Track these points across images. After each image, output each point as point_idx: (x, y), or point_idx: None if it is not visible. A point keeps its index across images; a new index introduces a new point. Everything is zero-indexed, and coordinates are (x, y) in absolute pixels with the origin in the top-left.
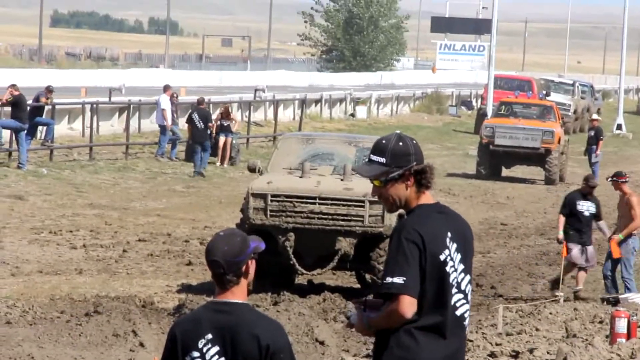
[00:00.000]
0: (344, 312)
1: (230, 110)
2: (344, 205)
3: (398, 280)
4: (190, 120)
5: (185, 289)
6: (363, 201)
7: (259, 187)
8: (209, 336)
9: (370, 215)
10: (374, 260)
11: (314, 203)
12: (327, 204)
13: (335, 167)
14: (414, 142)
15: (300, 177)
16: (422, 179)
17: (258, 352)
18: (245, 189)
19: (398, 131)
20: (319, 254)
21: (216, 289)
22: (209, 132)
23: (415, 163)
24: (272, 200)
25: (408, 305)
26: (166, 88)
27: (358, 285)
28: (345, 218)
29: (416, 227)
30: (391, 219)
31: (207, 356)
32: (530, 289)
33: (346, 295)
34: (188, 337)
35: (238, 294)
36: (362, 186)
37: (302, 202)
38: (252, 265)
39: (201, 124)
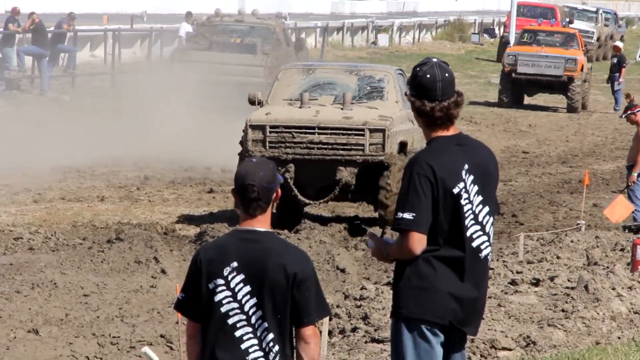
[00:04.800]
0: (364, 241)
1: None
2: (343, 134)
3: (408, 216)
4: None
5: (207, 216)
6: (363, 130)
7: (257, 118)
8: (234, 264)
9: (370, 144)
10: (382, 188)
11: (313, 133)
12: (326, 134)
13: (336, 96)
14: (429, 76)
15: (300, 107)
16: (418, 113)
17: (285, 280)
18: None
19: (435, 59)
20: (320, 185)
21: (241, 215)
22: None
23: (414, 93)
24: (270, 132)
25: (417, 242)
26: (188, 15)
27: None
28: (345, 147)
29: (428, 160)
30: (392, 147)
31: (232, 284)
32: (552, 217)
33: (368, 223)
34: (213, 265)
35: (263, 222)
36: (362, 114)
37: (301, 133)
38: (279, 195)
39: None
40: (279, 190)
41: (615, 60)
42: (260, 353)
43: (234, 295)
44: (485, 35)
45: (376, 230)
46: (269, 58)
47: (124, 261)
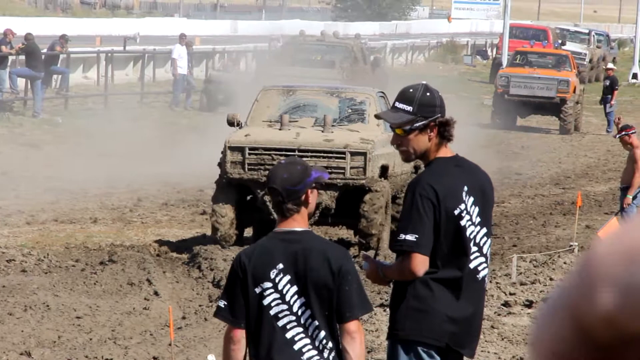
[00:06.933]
0: (357, 262)
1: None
2: (324, 157)
3: (411, 237)
4: None
5: (200, 238)
6: (344, 152)
7: (236, 140)
8: (280, 266)
9: (351, 167)
10: (363, 210)
11: (293, 155)
12: (306, 156)
13: (316, 118)
14: (439, 94)
15: (280, 129)
16: (445, 131)
17: (330, 275)
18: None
19: (424, 81)
20: None
21: (277, 217)
22: None
23: (439, 114)
24: (249, 154)
25: (420, 263)
26: (181, 37)
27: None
28: (326, 170)
29: (431, 182)
30: (373, 171)
31: (280, 286)
32: (545, 239)
33: (360, 246)
34: (259, 269)
35: (300, 221)
36: (343, 137)
37: (280, 155)
38: (312, 195)
39: None
40: (310, 191)
41: (607, 82)
42: (314, 352)
43: (282, 297)
44: (477, 57)
45: (369, 252)
46: (345, 72)
47: (117, 283)
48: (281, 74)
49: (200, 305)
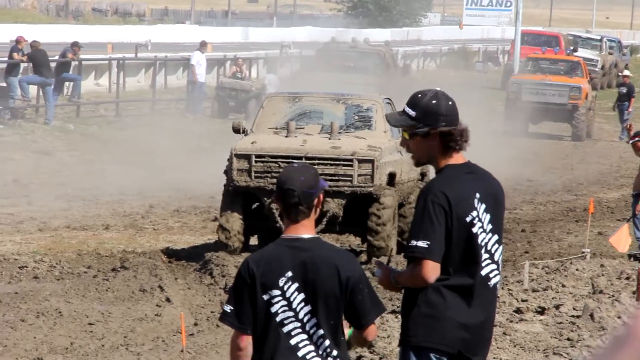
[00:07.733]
0: (369, 269)
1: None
2: (331, 164)
3: (422, 244)
4: None
5: (211, 244)
6: (351, 160)
7: (242, 147)
8: (289, 274)
9: (359, 175)
10: (372, 222)
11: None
12: (314, 164)
13: (323, 125)
14: (450, 102)
15: (286, 136)
16: (449, 141)
17: (339, 285)
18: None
19: (438, 88)
20: None
21: (285, 222)
22: None
23: (443, 124)
24: (256, 161)
25: (431, 270)
26: (202, 44)
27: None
28: (333, 178)
29: (442, 189)
30: (381, 178)
31: (288, 294)
32: (557, 245)
33: (370, 254)
34: (268, 276)
35: (309, 227)
36: (350, 144)
37: (287, 162)
38: (321, 200)
39: None
40: (321, 196)
41: (624, 89)
42: (318, 359)
43: (290, 304)
44: (489, 63)
45: (381, 258)
46: (378, 79)
47: (129, 289)
48: (317, 80)
49: (212, 312)
